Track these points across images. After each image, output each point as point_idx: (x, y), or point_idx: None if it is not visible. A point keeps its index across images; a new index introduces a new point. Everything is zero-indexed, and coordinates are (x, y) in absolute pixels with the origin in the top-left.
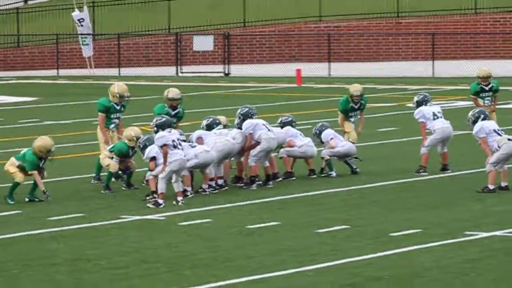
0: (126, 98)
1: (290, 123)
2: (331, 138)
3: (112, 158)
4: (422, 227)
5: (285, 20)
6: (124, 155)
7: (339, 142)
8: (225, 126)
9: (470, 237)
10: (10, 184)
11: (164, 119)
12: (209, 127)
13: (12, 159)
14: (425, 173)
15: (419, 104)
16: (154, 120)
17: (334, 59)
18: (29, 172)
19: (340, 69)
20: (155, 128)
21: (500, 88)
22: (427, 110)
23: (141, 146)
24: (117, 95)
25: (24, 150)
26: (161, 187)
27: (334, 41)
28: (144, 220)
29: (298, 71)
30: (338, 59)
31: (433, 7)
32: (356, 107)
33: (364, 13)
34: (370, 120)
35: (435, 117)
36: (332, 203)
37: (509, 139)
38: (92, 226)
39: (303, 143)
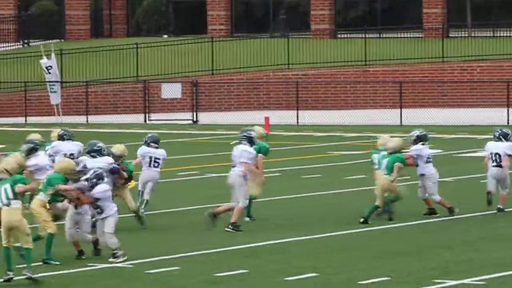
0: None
1: None
2: None
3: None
4: (391, 275)
5: (254, 68)
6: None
7: None
8: None
9: (438, 285)
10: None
11: (100, 171)
12: None
13: (39, 197)
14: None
15: (419, 139)
16: (92, 172)
17: (302, 107)
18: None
19: (308, 116)
20: (94, 180)
21: (468, 136)
22: (425, 151)
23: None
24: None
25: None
26: (115, 241)
27: (302, 89)
28: (112, 268)
29: (267, 118)
30: (306, 107)
31: (400, 55)
32: None
33: (332, 61)
34: (338, 168)
35: (428, 160)
36: (300, 250)
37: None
38: (60, 274)
39: None
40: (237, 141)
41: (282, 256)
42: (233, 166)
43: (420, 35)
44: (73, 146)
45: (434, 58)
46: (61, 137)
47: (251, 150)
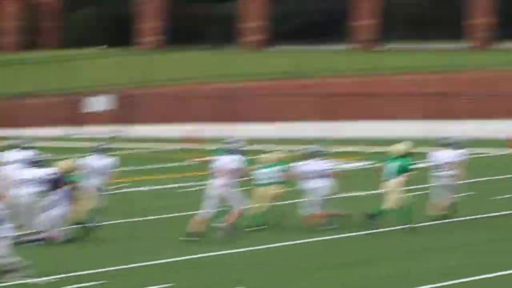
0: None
1: None
2: None
3: None
4: None
5: (184, 80)
6: None
7: None
8: None
9: None
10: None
11: None
12: None
13: None
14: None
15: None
16: None
17: (235, 120)
18: None
19: (242, 129)
20: None
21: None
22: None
23: None
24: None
25: None
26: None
27: (233, 102)
28: (24, 284)
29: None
30: (240, 120)
31: (330, 68)
32: None
33: (264, 73)
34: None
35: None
36: (225, 265)
37: None
38: None
39: None
40: (222, 152)
41: (205, 271)
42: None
43: (351, 47)
44: None
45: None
46: None
47: (242, 158)
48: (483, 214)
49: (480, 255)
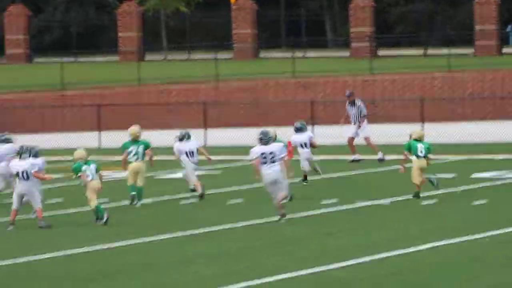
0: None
1: None
2: None
3: None
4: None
5: None
6: None
7: None
8: None
9: None
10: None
11: None
12: None
13: None
14: None
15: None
16: None
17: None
18: None
19: None
20: None
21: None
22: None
23: None
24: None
25: None
26: None
27: None
28: None
29: None
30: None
31: (97, 79)
32: None
33: (28, 85)
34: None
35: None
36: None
37: None
38: None
39: None
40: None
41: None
42: (264, 163)
43: (117, 59)
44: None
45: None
46: None
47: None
48: None
49: None
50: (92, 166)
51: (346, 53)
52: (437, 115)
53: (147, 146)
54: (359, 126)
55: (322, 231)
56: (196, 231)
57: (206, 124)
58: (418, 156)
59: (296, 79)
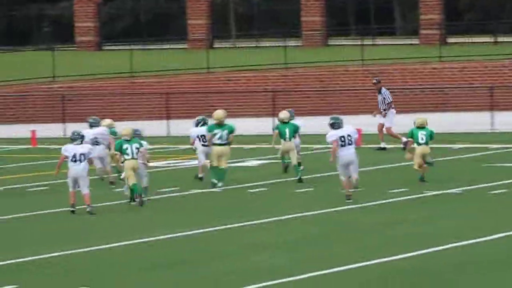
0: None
1: None
2: None
3: None
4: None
5: (19, 81)
6: None
7: None
8: None
9: None
10: None
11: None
12: None
13: None
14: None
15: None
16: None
17: (69, 120)
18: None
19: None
20: None
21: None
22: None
23: None
24: None
25: None
26: None
27: (68, 102)
28: None
29: (33, 132)
30: (73, 120)
31: (166, 67)
32: None
33: (98, 73)
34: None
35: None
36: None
37: None
38: None
39: None
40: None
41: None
42: (342, 145)
43: (185, 46)
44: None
45: (200, 69)
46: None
47: None
48: None
49: None
50: (134, 145)
51: (415, 41)
52: (507, 104)
53: (231, 131)
54: (385, 115)
55: (391, 220)
56: (265, 220)
57: (274, 112)
58: (419, 143)
59: (365, 67)
